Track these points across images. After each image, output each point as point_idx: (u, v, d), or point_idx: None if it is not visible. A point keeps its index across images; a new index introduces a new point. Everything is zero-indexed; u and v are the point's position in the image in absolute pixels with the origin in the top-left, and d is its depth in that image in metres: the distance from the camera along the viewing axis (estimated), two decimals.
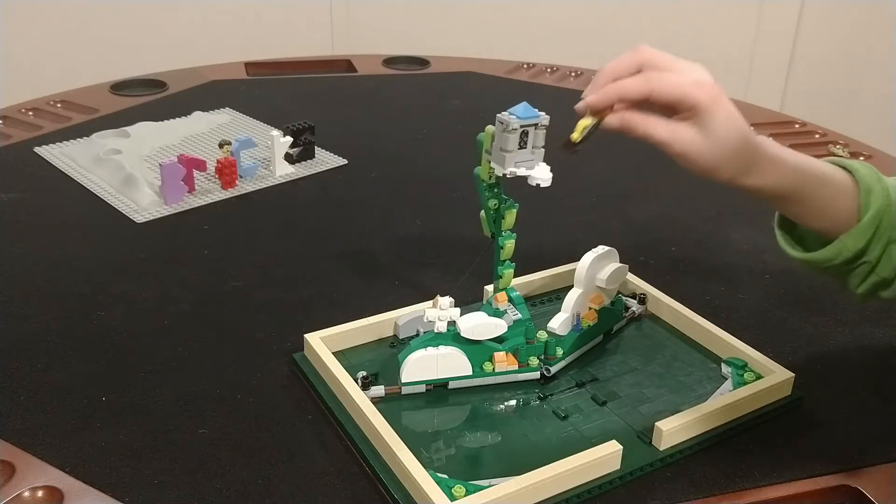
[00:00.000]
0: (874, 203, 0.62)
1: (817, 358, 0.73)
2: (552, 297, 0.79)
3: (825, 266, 0.64)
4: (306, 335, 0.69)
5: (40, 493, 0.57)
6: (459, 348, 0.66)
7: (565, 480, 0.57)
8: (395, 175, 1.09)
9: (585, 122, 0.58)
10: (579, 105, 0.59)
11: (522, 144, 0.60)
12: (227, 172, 1.01)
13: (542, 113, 0.61)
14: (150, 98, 1.31)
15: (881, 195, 0.62)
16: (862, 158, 1.17)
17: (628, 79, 0.59)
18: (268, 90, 1.37)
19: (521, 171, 0.61)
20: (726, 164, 0.59)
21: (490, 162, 0.63)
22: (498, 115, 0.60)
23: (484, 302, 0.75)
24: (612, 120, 0.59)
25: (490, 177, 0.64)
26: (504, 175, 0.61)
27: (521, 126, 0.60)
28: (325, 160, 1.11)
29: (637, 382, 0.68)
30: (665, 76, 0.58)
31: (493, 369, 0.67)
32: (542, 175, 0.61)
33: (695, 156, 0.59)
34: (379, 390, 0.65)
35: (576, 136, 0.58)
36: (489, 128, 0.62)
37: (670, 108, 0.59)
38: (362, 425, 0.61)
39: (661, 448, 0.61)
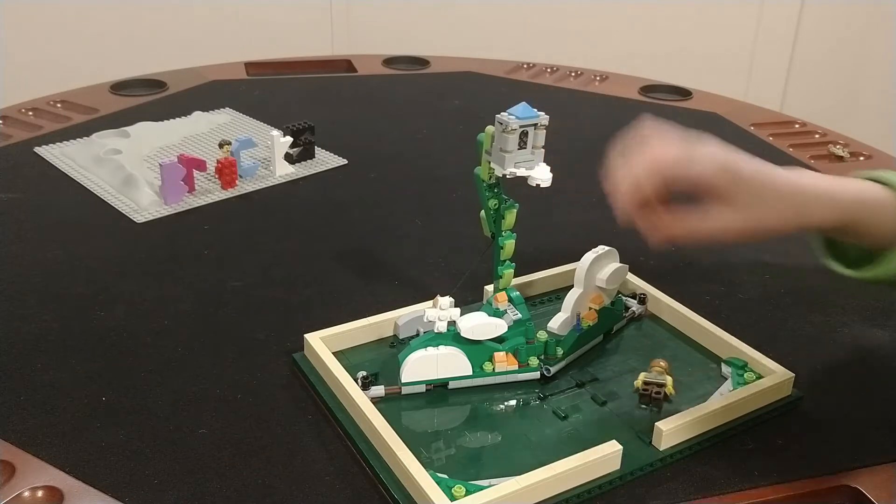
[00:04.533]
0: None
1: (817, 358, 0.73)
2: (552, 297, 0.79)
3: (878, 281, 0.64)
4: (306, 335, 0.69)
5: (40, 493, 0.57)
6: (459, 348, 0.66)
7: (565, 480, 0.57)
8: (395, 175, 1.09)
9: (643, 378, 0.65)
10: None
11: (522, 145, 0.60)
12: (227, 172, 1.01)
13: (542, 113, 0.61)
14: (150, 98, 1.31)
15: None
16: (862, 158, 1.17)
17: (643, 180, 0.59)
18: (268, 90, 1.37)
19: (521, 172, 0.61)
20: (769, 222, 0.60)
21: (490, 162, 0.63)
22: (497, 115, 0.60)
23: (484, 302, 0.75)
24: (657, 245, 0.60)
25: (490, 177, 0.64)
26: (504, 175, 0.62)
27: (521, 126, 0.60)
28: (325, 160, 1.11)
29: None
30: (677, 165, 0.59)
31: (493, 369, 0.67)
32: (542, 175, 0.61)
33: (737, 229, 0.60)
34: (379, 390, 0.65)
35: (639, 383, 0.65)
36: (489, 128, 0.62)
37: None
38: (362, 425, 0.61)
39: (661, 448, 0.61)
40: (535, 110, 0.60)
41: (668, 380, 0.65)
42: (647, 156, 0.59)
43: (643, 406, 0.65)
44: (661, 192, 0.59)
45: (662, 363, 0.66)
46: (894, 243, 0.62)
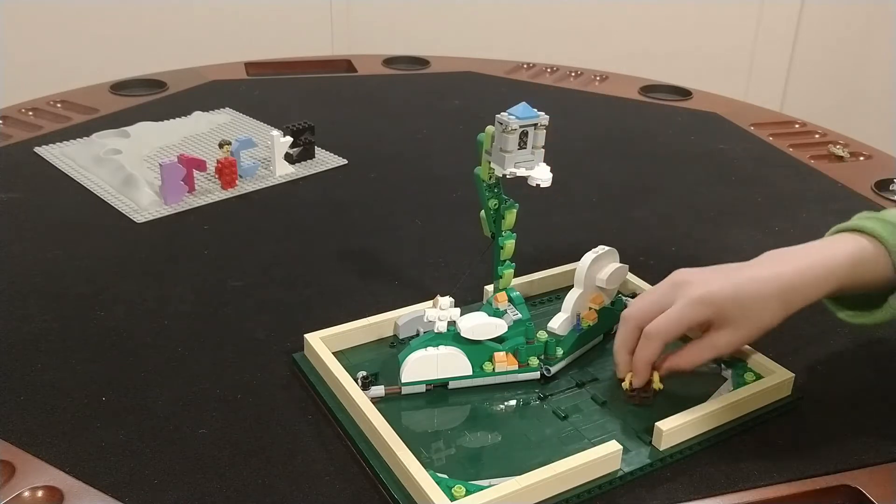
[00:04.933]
0: None
1: (817, 358, 0.73)
2: (552, 297, 0.79)
3: (883, 324, 0.66)
4: (306, 335, 0.69)
5: (40, 493, 0.57)
6: (459, 348, 0.66)
7: (565, 480, 0.57)
8: (395, 175, 1.09)
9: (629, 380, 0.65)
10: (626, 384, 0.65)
11: (522, 144, 0.60)
12: (227, 172, 1.01)
13: (542, 113, 0.61)
14: (150, 98, 1.31)
15: None
16: (862, 158, 1.17)
17: (638, 350, 0.64)
18: (268, 90, 1.37)
19: (521, 172, 0.61)
20: (768, 324, 0.63)
21: (490, 162, 0.63)
22: (497, 115, 0.60)
23: (484, 302, 0.75)
24: (663, 374, 0.65)
25: (490, 177, 0.64)
26: (504, 175, 0.61)
27: (521, 126, 0.60)
28: (325, 160, 1.11)
29: None
30: (657, 323, 0.63)
31: (493, 369, 0.67)
32: (542, 175, 0.61)
33: (745, 342, 0.64)
34: (379, 390, 0.65)
35: (626, 385, 0.65)
36: (489, 128, 0.62)
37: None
38: (362, 425, 0.61)
39: (661, 448, 0.61)
40: (535, 110, 0.60)
41: (655, 375, 0.65)
42: (624, 319, 0.65)
43: (634, 406, 0.65)
44: (653, 347, 0.63)
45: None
46: (881, 285, 0.64)
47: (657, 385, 0.65)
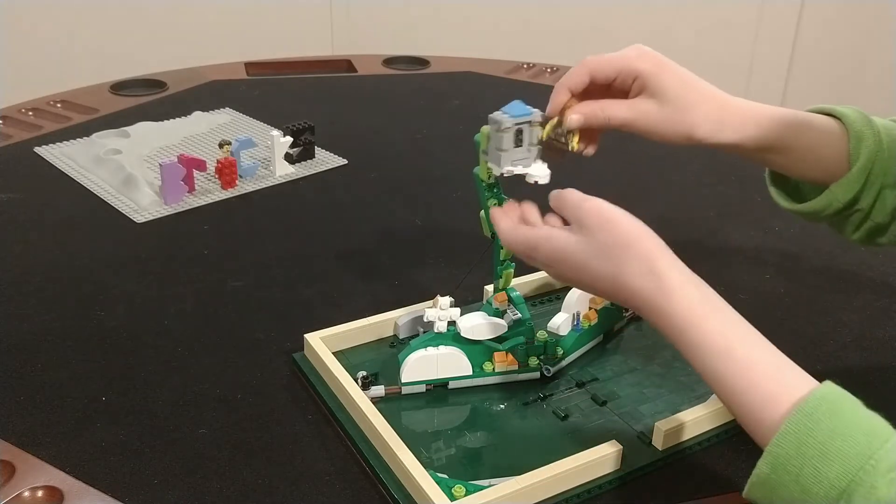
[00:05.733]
0: (864, 150, 0.61)
1: (817, 358, 0.73)
2: (552, 297, 0.79)
3: (817, 217, 0.63)
4: (306, 335, 0.69)
5: (40, 493, 0.57)
6: (459, 348, 0.66)
7: (565, 480, 0.57)
8: (395, 175, 1.09)
9: (549, 126, 0.61)
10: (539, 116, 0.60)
11: (518, 143, 0.60)
12: (227, 172, 1.01)
13: (536, 110, 0.60)
14: (150, 98, 1.31)
15: (871, 140, 0.61)
16: None
17: (568, 72, 0.60)
18: (268, 90, 1.37)
19: (518, 170, 0.61)
20: (696, 125, 0.60)
21: (487, 162, 0.63)
22: (491, 114, 0.60)
23: (484, 302, 0.75)
24: (572, 118, 0.60)
25: (489, 176, 0.64)
26: (502, 174, 0.61)
27: (515, 124, 0.60)
28: (325, 160, 1.11)
29: (637, 382, 0.68)
30: (600, 56, 0.60)
31: (493, 369, 0.67)
32: (539, 172, 0.61)
33: (662, 126, 0.59)
34: (379, 390, 0.65)
35: (543, 136, 0.60)
36: (485, 128, 0.62)
37: (624, 93, 0.60)
38: (362, 425, 0.61)
39: (661, 448, 0.61)
40: (529, 107, 0.60)
41: (575, 138, 0.61)
42: (584, 62, 0.61)
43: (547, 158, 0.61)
44: (581, 73, 0.60)
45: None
46: (832, 175, 0.62)
47: (574, 145, 0.61)
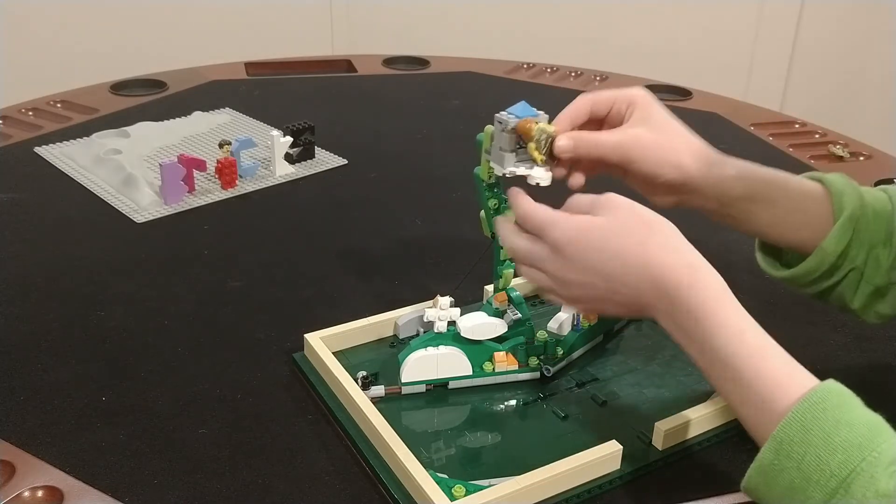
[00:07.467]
0: (848, 205, 0.62)
1: (817, 358, 0.73)
2: None
3: (812, 279, 0.64)
4: (306, 335, 0.69)
5: (40, 493, 0.57)
6: (459, 348, 0.66)
7: (565, 480, 0.57)
8: (395, 175, 1.09)
9: (538, 128, 0.60)
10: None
11: (521, 143, 0.60)
12: (227, 172, 1.01)
13: (541, 112, 0.61)
14: (150, 98, 1.31)
15: (854, 197, 0.62)
16: (862, 158, 1.17)
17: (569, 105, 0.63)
18: (268, 90, 1.37)
19: (521, 171, 0.61)
20: (685, 153, 0.61)
21: (490, 162, 0.63)
22: (496, 114, 0.60)
23: (484, 302, 0.75)
24: (561, 140, 0.60)
25: (490, 177, 0.64)
26: (504, 175, 0.61)
27: None
28: (325, 160, 1.11)
29: (637, 382, 0.68)
30: (599, 91, 0.63)
31: (493, 369, 0.67)
32: (541, 174, 0.61)
33: (652, 152, 0.61)
34: (379, 390, 0.65)
35: (532, 146, 0.60)
36: (488, 127, 0.62)
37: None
38: (362, 425, 0.61)
39: (661, 448, 0.61)
40: (535, 109, 0.60)
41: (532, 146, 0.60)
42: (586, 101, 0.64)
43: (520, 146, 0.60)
44: (584, 102, 0.63)
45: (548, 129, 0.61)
46: (819, 238, 0.62)
47: (538, 157, 0.60)
